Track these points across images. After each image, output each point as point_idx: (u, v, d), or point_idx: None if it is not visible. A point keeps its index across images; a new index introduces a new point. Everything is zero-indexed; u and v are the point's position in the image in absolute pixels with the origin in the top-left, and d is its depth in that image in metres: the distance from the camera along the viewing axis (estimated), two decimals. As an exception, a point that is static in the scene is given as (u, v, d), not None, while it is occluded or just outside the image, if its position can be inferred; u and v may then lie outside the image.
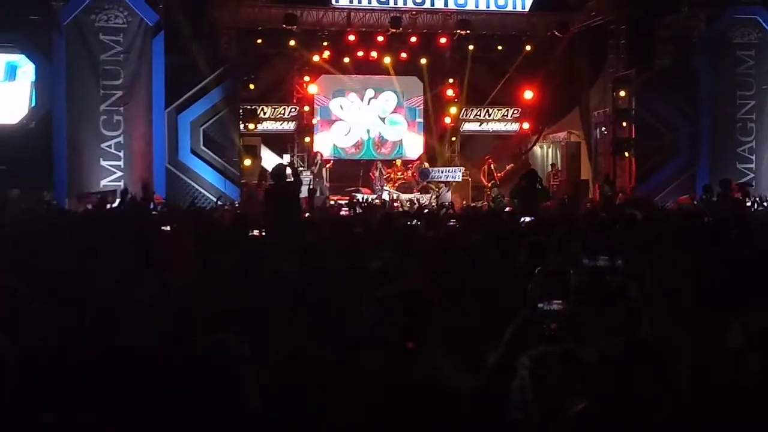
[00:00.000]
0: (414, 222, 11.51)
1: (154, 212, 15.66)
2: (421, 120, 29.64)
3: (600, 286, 3.92)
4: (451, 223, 11.11)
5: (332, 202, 23.37)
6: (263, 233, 8.07)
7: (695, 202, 20.29)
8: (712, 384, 3.50)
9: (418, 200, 24.96)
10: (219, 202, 20.48)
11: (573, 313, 3.38)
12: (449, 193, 25.52)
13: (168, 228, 9.23)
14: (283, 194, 12.47)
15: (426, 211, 18.40)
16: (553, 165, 29.08)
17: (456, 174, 26.34)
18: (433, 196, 25.40)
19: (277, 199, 12.31)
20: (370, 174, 27.70)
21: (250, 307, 4.47)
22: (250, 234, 8.02)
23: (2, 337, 3.21)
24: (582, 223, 9.34)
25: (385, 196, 25.65)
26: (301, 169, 25.54)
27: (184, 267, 4.89)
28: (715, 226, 9.70)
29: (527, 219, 9.49)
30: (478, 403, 3.18)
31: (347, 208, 18.14)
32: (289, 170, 14.77)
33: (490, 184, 26.17)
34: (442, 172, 26.50)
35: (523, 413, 3.06)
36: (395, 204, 24.30)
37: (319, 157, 26.84)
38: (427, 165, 26.90)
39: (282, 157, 27.44)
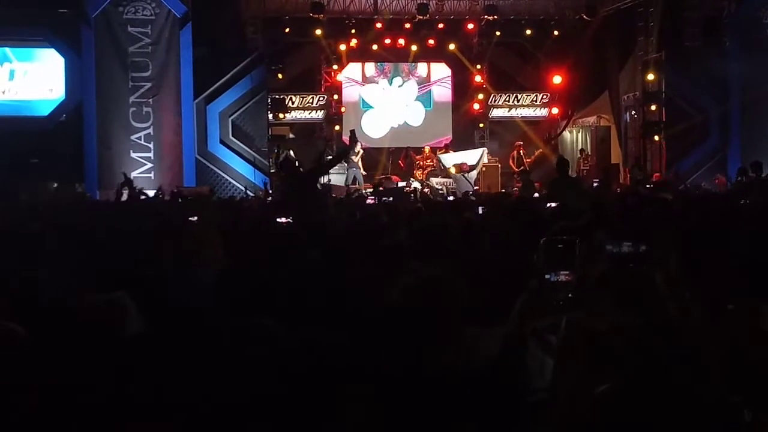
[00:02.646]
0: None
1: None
2: (450, 106, 29.56)
3: (623, 273, 3.88)
4: (480, 210, 11.06)
5: (363, 191, 23.27)
6: (290, 220, 8.08)
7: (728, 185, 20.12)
8: (743, 366, 3.47)
9: (446, 186, 24.85)
10: (248, 193, 20.56)
11: (581, 283, 3.36)
12: (474, 172, 25.28)
13: (195, 218, 9.27)
14: (296, 184, 12.30)
15: (451, 198, 18.34)
16: (582, 150, 28.87)
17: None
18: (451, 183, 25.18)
19: (292, 188, 12.19)
20: (399, 161, 27.66)
21: (272, 296, 4.50)
22: (278, 221, 8.07)
23: (15, 326, 3.26)
24: (611, 208, 9.26)
25: (415, 184, 25.54)
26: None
27: (210, 259, 4.92)
28: (747, 209, 9.62)
29: (553, 204, 9.42)
30: (492, 375, 3.18)
31: (373, 197, 18.07)
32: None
33: (519, 170, 25.93)
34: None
35: (540, 386, 3.05)
36: (425, 190, 24.19)
37: (359, 146, 26.44)
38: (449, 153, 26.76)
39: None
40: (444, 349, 3.31)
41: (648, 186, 17.62)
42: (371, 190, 22.43)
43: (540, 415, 2.96)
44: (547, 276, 3.32)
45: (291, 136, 27.13)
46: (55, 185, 20.06)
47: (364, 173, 25.80)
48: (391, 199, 17.12)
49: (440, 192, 23.64)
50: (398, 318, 3.45)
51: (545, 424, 2.89)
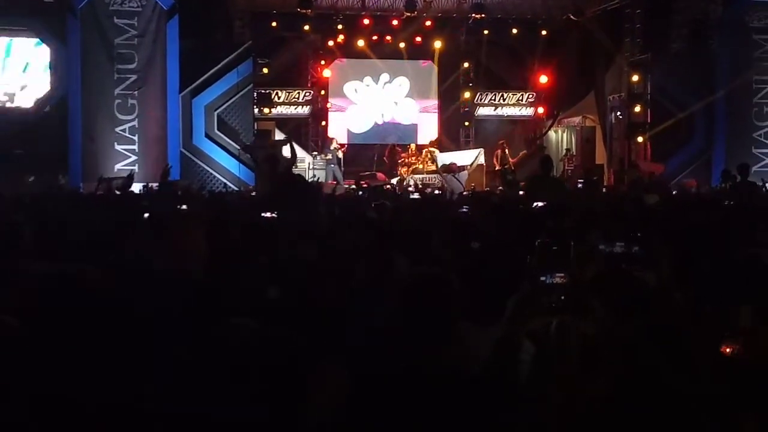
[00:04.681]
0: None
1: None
2: (436, 104, 29.55)
3: (616, 273, 3.88)
4: (464, 210, 11.01)
5: (346, 187, 23.25)
6: (275, 215, 8.03)
7: (707, 187, 20.24)
8: (726, 365, 3.48)
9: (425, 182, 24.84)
10: (235, 188, 20.52)
11: (575, 285, 3.36)
12: (465, 173, 25.25)
13: (184, 207, 9.24)
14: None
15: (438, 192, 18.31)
16: (567, 150, 28.91)
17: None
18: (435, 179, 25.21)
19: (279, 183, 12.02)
20: (384, 158, 27.65)
21: (261, 293, 4.47)
22: (263, 216, 8.01)
23: (10, 319, 3.23)
24: (600, 208, 9.28)
25: (393, 181, 25.54)
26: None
27: (196, 252, 4.88)
28: (733, 212, 9.65)
29: (540, 204, 9.41)
30: (484, 378, 3.18)
31: (361, 193, 18.04)
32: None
33: (501, 168, 25.87)
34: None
35: (533, 388, 3.05)
36: (408, 188, 24.15)
37: (335, 143, 26.63)
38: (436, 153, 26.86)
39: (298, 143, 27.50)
40: (440, 349, 3.30)
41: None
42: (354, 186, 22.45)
43: (534, 417, 2.96)
44: (542, 278, 3.32)
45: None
46: (32, 178, 19.91)
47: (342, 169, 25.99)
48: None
49: (419, 187, 23.52)
50: (395, 317, 3.44)
51: (539, 425, 2.89)
